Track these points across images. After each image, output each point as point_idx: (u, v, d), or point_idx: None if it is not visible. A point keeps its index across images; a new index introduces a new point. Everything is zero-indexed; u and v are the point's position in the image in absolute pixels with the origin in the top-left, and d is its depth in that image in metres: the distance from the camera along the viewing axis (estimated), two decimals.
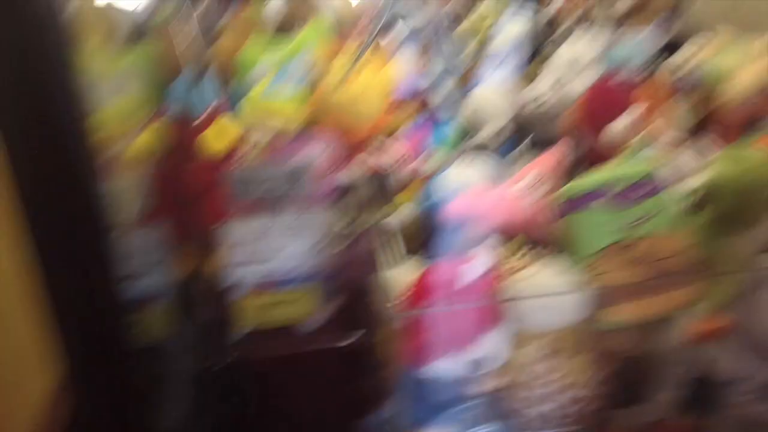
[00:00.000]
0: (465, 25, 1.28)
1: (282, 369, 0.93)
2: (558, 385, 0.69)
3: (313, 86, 1.00)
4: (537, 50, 1.20)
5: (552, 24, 1.21)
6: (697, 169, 0.71)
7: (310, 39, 1.03)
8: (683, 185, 0.72)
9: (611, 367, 0.71)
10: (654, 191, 0.67)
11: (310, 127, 1.00)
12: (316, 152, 0.95)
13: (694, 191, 0.66)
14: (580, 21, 1.19)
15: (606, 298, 0.65)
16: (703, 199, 0.65)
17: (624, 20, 1.17)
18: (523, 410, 0.71)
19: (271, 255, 0.91)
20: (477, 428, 0.71)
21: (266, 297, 0.91)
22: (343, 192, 0.97)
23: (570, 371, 0.68)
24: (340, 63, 0.98)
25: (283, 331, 0.90)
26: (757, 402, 0.74)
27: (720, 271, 0.66)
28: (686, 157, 0.82)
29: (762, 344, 0.69)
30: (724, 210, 0.64)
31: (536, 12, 1.23)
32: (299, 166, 0.89)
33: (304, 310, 0.93)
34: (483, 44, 1.25)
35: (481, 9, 1.28)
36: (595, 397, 0.69)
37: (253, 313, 0.91)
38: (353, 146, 1.00)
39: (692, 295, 0.67)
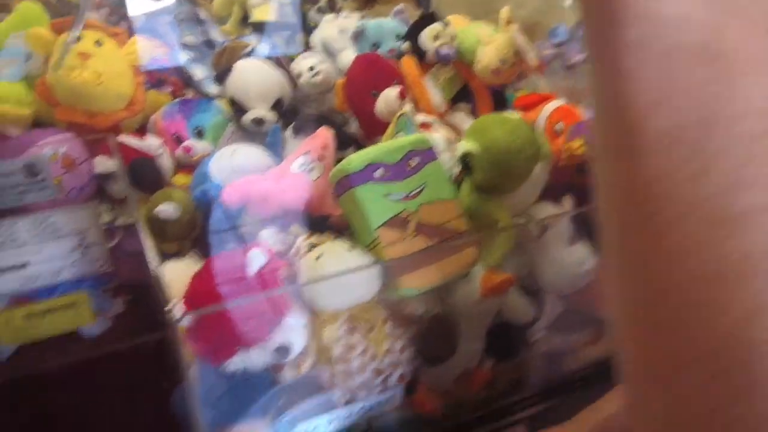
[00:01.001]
0: None
1: (69, 381, 0.83)
2: (360, 360, 0.69)
3: (37, 70, 0.86)
4: (303, 23, 1.18)
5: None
6: (461, 137, 0.76)
7: (23, 20, 0.88)
8: (450, 153, 0.77)
9: (410, 332, 0.73)
10: (424, 161, 0.70)
11: (44, 115, 0.86)
12: (57, 142, 0.82)
13: (461, 158, 0.70)
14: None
15: (395, 270, 0.66)
16: (469, 165, 0.69)
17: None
18: (331, 390, 0.71)
19: (26, 261, 0.78)
20: (289, 413, 0.69)
21: (32, 307, 0.79)
22: (101, 183, 0.85)
23: (369, 345, 0.69)
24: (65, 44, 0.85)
25: (62, 341, 0.81)
26: (552, 336, 0.83)
27: (497, 227, 0.71)
28: (450, 127, 0.87)
29: (549, 286, 0.78)
30: (489, 172, 0.68)
31: None
32: (36, 158, 0.77)
33: (81, 315, 0.83)
34: (244, 16, 1.20)
35: None
36: (398, 364, 0.72)
37: (18, 327, 0.79)
38: (104, 131, 0.88)
39: (476, 254, 0.71)
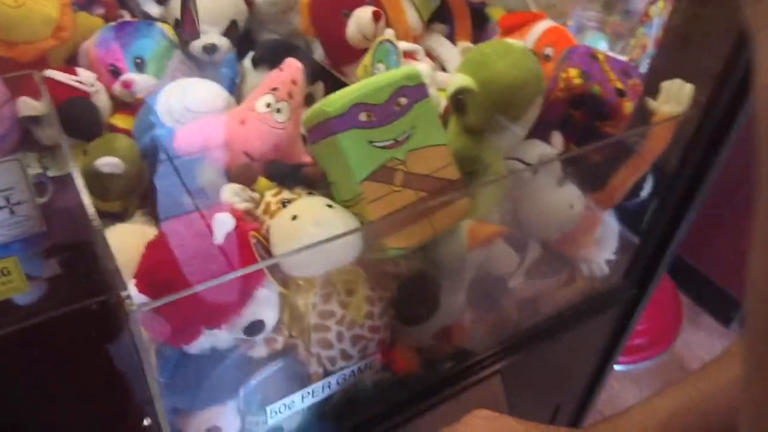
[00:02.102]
0: None
1: (5, 351, 0.74)
2: (337, 329, 0.62)
3: None
4: None
5: None
6: (450, 71, 0.66)
7: None
8: (439, 90, 0.67)
9: (391, 294, 0.66)
10: (414, 100, 0.60)
11: None
12: None
13: (453, 95, 0.61)
14: None
15: (381, 230, 0.58)
16: (462, 103, 0.61)
17: None
18: (308, 360, 0.64)
19: None
20: (261, 392, 0.62)
21: None
22: (26, 128, 0.73)
23: (347, 311, 0.62)
24: None
25: None
26: (529, 282, 0.78)
27: (490, 173, 0.63)
28: (434, 59, 0.77)
29: (535, 231, 0.71)
30: (487, 111, 0.60)
31: None
32: None
33: (12, 284, 0.73)
34: None
35: None
36: (378, 329, 0.65)
37: None
38: (27, 65, 0.74)
39: (468, 205, 0.63)
